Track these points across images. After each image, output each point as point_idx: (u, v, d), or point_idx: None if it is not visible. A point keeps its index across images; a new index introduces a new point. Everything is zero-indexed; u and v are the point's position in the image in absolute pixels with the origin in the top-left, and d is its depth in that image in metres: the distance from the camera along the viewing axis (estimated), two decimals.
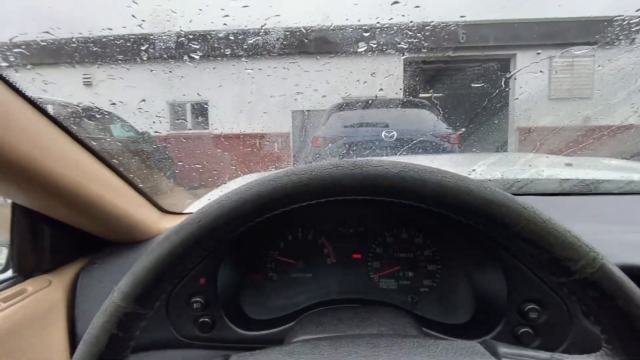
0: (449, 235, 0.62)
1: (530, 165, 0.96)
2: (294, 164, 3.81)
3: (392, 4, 1.18)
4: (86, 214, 0.51)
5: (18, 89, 0.39)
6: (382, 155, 2.77)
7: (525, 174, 0.88)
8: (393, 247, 0.67)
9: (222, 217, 0.30)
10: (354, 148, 2.92)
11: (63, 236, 0.56)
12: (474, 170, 0.89)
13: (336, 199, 0.30)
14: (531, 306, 0.48)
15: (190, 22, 1.14)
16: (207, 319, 0.55)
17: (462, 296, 0.60)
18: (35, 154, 0.40)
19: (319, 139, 3.25)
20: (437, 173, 0.29)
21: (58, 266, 0.57)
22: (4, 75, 0.37)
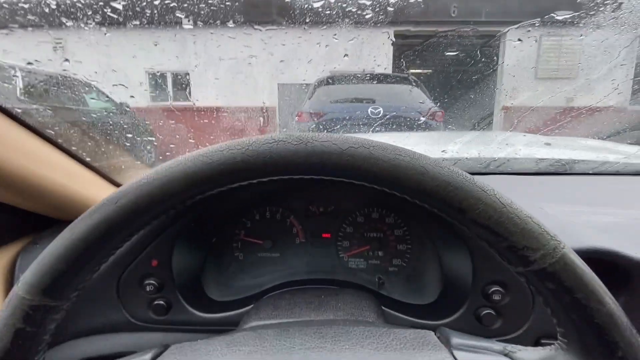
0: (419, 215, 0.60)
1: (507, 144, 0.94)
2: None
3: None
4: (23, 193, 0.46)
5: None
6: (368, 132, 2.73)
7: (502, 153, 0.86)
8: (364, 226, 0.65)
9: (143, 197, 0.26)
10: (340, 124, 2.87)
11: (0, 215, 0.51)
12: (444, 151, 0.86)
13: (279, 178, 0.27)
14: (495, 288, 0.47)
15: None
16: (161, 302, 0.52)
17: (430, 277, 0.59)
18: None
19: (303, 113, 3.17)
20: (390, 150, 0.25)
21: None
22: None
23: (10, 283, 0.51)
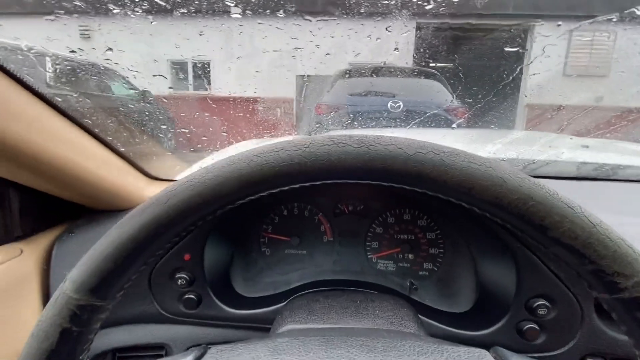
0: (455, 218, 0.58)
1: (549, 147, 0.90)
2: (296, 130, 3.72)
3: None
4: (59, 182, 0.46)
5: None
6: (389, 127, 2.68)
7: (541, 155, 0.82)
8: (394, 227, 0.62)
9: (194, 198, 0.24)
10: (359, 118, 2.83)
11: (35, 201, 0.51)
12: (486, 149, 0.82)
13: (334, 182, 0.25)
14: (541, 302, 0.45)
15: None
16: (192, 296, 0.52)
17: (464, 283, 0.57)
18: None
19: (322, 106, 3.14)
20: (462, 157, 0.23)
21: (31, 234, 0.53)
22: None
23: (47, 271, 0.51)
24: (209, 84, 3.82)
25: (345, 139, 0.24)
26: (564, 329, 0.45)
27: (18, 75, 0.38)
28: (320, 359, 0.27)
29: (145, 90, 2.04)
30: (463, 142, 0.90)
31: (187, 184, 0.25)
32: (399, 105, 2.86)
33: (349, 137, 0.24)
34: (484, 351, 0.28)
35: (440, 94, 3.05)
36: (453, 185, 0.23)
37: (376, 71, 3.13)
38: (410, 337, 0.32)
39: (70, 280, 0.25)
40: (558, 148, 0.88)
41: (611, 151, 1.01)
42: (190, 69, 3.78)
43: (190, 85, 3.84)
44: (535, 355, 0.45)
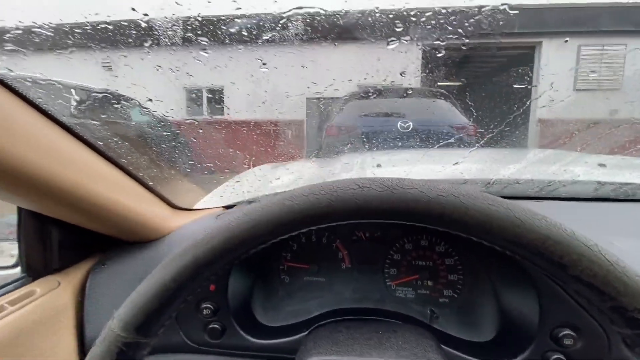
0: (473, 245, 0.58)
1: (565, 166, 0.89)
2: (307, 152, 3.77)
3: None
4: (93, 216, 0.49)
5: (17, 90, 0.36)
6: (398, 146, 2.70)
7: (557, 176, 0.82)
8: (412, 254, 0.63)
9: (232, 240, 0.27)
10: (369, 138, 2.86)
11: (71, 235, 0.55)
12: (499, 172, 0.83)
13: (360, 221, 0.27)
14: (566, 332, 0.44)
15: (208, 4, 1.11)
16: (216, 326, 0.53)
17: (485, 311, 0.56)
18: (38, 160, 0.37)
19: (333, 127, 3.19)
20: (481, 200, 0.25)
21: (67, 266, 0.55)
22: (3, 79, 0.35)
23: (81, 302, 0.54)
24: (223, 108, 3.95)
25: (369, 183, 0.26)
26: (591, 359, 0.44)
27: (49, 110, 0.41)
28: None
29: (161, 116, 2.13)
30: (477, 167, 0.91)
31: (225, 227, 0.27)
32: (409, 125, 2.89)
33: (372, 180, 0.26)
34: None
35: (449, 112, 3.08)
36: (473, 225, 0.25)
37: (385, 92, 3.18)
38: None
39: (118, 319, 0.27)
40: (574, 168, 0.88)
41: (629, 169, 1.00)
42: (204, 95, 3.94)
43: (205, 110, 3.99)
44: None
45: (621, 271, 0.23)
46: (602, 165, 1.02)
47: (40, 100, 0.38)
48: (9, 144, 0.33)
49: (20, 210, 0.50)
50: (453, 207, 0.25)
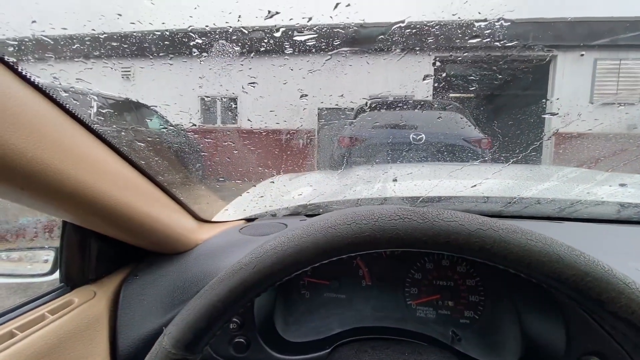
0: (495, 267, 0.58)
1: (586, 185, 0.89)
2: (318, 162, 3.80)
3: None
4: (130, 230, 0.51)
5: (61, 103, 0.38)
6: (411, 159, 2.70)
7: (579, 195, 0.81)
8: (432, 273, 0.63)
9: (278, 264, 0.28)
10: (382, 150, 2.88)
11: (108, 247, 0.57)
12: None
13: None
14: (594, 359, 0.44)
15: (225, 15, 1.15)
16: (242, 340, 0.54)
17: (508, 333, 0.56)
18: (88, 179, 0.40)
19: (345, 138, 3.22)
20: (520, 234, 0.26)
21: (101, 276, 0.58)
22: (55, 97, 0.37)
23: (114, 313, 0.56)
24: (236, 117, 4.02)
25: (410, 214, 0.28)
26: None
27: (84, 118, 0.42)
28: None
29: (178, 124, 2.19)
30: (498, 185, 0.91)
31: (272, 251, 0.29)
32: (421, 138, 2.90)
33: (413, 212, 0.28)
34: None
35: (461, 125, 3.07)
36: (513, 259, 0.26)
37: (397, 104, 3.20)
38: None
39: (169, 337, 0.29)
40: (596, 187, 0.87)
41: None
42: (218, 104, 4.03)
43: (219, 118, 4.07)
44: None
45: None
46: (623, 184, 1.01)
47: (72, 107, 0.40)
48: (59, 160, 0.35)
49: (64, 224, 0.53)
50: (493, 240, 0.26)
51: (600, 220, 0.73)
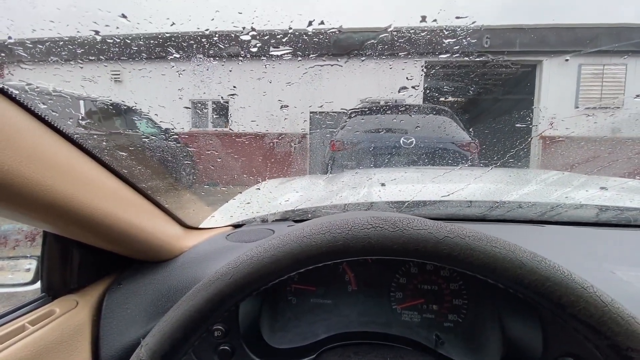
0: None
1: (567, 189, 0.91)
2: (310, 166, 3.81)
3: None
4: (113, 238, 0.51)
5: (38, 114, 0.38)
6: (401, 163, 2.73)
7: (559, 199, 0.83)
8: (417, 277, 0.64)
9: (253, 274, 0.29)
10: (373, 154, 2.90)
11: (89, 256, 0.56)
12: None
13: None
14: None
15: (213, 20, 1.15)
16: (227, 347, 0.54)
17: (490, 336, 0.57)
18: (68, 189, 0.39)
19: (336, 142, 3.24)
20: (485, 241, 0.27)
21: (84, 285, 0.57)
22: (33, 108, 0.37)
23: (97, 321, 0.55)
24: (227, 121, 4.02)
25: (382, 223, 0.28)
26: None
27: (63, 128, 0.41)
28: None
29: (167, 128, 2.18)
30: (481, 189, 0.93)
31: (248, 261, 0.29)
32: (411, 142, 2.93)
33: (385, 221, 0.29)
34: None
35: (451, 129, 3.12)
36: (478, 265, 0.27)
37: (388, 108, 3.24)
38: None
39: (146, 348, 0.29)
40: (576, 190, 0.90)
41: (632, 193, 1.01)
42: (209, 108, 4.02)
43: (210, 122, 4.06)
44: None
45: (615, 312, 0.24)
46: (603, 188, 1.03)
47: (54, 118, 0.39)
48: (36, 172, 0.35)
49: (45, 233, 0.52)
50: (460, 248, 0.27)
51: (580, 224, 0.75)
